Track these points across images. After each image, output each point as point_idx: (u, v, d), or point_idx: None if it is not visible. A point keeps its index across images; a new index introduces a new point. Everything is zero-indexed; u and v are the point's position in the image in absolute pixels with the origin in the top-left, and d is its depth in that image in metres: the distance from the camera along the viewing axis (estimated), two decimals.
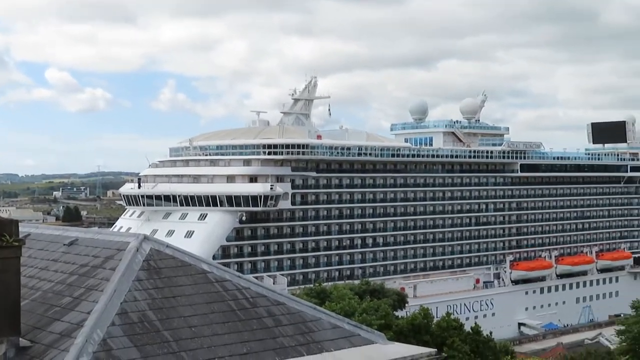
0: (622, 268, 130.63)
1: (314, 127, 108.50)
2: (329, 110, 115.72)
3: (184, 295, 11.47)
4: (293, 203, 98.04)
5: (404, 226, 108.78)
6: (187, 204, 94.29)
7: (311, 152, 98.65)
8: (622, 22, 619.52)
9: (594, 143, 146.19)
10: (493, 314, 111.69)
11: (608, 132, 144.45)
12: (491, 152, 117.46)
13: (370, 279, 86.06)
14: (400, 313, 62.19)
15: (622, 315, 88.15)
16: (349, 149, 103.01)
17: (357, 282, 78.03)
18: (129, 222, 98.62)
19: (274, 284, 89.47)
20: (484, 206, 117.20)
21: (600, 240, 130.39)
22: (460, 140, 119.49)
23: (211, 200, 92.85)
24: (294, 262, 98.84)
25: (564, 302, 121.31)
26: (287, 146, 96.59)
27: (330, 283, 76.13)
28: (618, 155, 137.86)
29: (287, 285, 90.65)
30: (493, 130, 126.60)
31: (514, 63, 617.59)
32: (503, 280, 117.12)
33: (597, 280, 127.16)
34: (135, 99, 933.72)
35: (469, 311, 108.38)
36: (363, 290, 65.49)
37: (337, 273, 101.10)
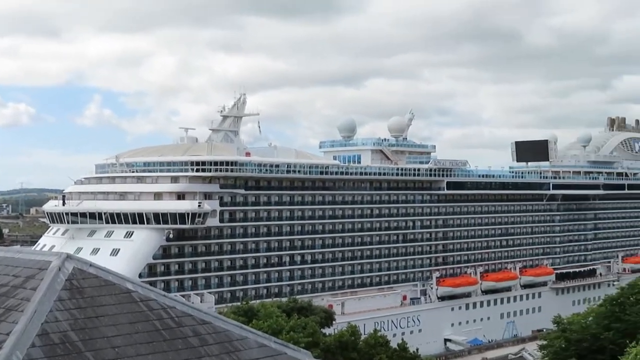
0: (544, 284, 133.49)
1: (243, 144, 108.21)
2: (259, 127, 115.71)
3: (108, 315, 11.27)
4: (221, 220, 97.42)
5: (332, 243, 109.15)
6: (113, 222, 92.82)
7: (240, 169, 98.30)
8: (545, 43, 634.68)
9: (517, 161, 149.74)
10: (420, 330, 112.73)
11: (531, 150, 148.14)
12: (418, 169, 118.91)
13: (298, 296, 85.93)
14: (328, 330, 62.23)
15: (544, 330, 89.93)
16: (277, 166, 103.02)
17: (284, 299, 77.84)
18: (53, 240, 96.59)
19: (201, 302, 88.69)
20: (411, 223, 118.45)
21: (524, 257, 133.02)
22: (388, 158, 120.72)
23: (138, 218, 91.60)
24: (221, 280, 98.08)
25: (488, 318, 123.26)
26: (216, 163, 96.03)
27: (258, 301, 75.79)
28: (541, 173, 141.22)
29: (215, 304, 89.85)
30: (420, 148, 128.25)
31: (440, 82, 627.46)
32: (429, 296, 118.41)
33: (521, 296, 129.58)
34: (60, 114, 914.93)
35: (396, 327, 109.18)
36: (291, 308, 65.38)
37: (265, 291, 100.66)
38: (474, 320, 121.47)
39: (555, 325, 52.25)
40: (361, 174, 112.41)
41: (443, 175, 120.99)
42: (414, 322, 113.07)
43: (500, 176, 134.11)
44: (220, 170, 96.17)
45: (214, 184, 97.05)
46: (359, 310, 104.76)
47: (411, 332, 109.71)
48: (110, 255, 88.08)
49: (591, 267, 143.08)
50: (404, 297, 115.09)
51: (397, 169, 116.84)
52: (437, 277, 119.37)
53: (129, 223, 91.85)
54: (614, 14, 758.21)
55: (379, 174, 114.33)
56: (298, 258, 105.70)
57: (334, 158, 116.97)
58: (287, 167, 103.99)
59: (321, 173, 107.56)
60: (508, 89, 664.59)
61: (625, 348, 32.65)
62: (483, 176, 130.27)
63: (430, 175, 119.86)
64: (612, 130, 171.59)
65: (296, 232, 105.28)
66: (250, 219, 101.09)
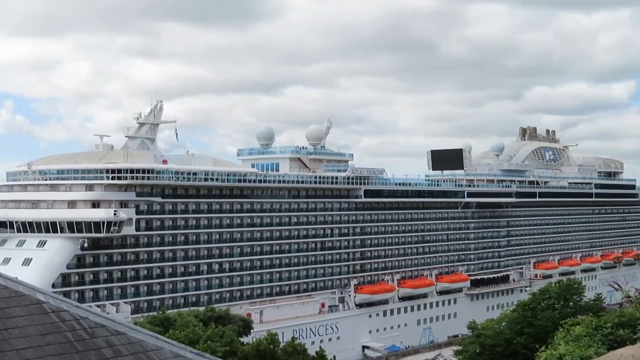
0: (460, 290, 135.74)
1: (160, 152, 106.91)
2: (176, 134, 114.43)
3: (18, 327, 10.95)
4: (137, 229, 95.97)
5: (250, 252, 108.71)
6: (25, 231, 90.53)
7: (156, 177, 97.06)
8: (459, 53, 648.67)
9: (433, 170, 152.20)
10: (338, 338, 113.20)
11: (446, 159, 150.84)
12: (336, 178, 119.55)
13: (216, 305, 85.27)
14: (246, 339, 61.92)
15: (459, 335, 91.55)
16: (195, 174, 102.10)
17: (202, 309, 77.14)
18: None
19: (117, 312, 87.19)
20: (329, 231, 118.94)
21: (440, 264, 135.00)
22: (306, 166, 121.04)
23: (51, 227, 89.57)
24: (138, 290, 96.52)
25: (405, 324, 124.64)
26: (132, 171, 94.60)
27: (175, 310, 74.88)
28: (456, 181, 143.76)
29: (131, 313, 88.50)
30: (338, 157, 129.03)
31: (356, 91, 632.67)
32: (348, 304, 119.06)
33: (437, 302, 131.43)
34: None
35: (315, 335, 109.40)
36: (208, 317, 64.82)
37: (182, 300, 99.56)
38: (392, 327, 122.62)
39: (470, 330, 53.27)
40: (279, 182, 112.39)
41: (360, 184, 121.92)
42: (332, 329, 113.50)
43: (416, 184, 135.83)
44: (137, 178, 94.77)
45: (130, 192, 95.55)
46: (277, 319, 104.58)
47: (329, 340, 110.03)
48: (22, 265, 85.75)
49: (504, 274, 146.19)
50: (323, 305, 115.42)
51: (315, 177, 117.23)
52: (355, 285, 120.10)
53: (42, 232, 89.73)
54: (524, 27, 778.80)
55: (297, 182, 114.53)
56: (216, 267, 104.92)
57: (252, 166, 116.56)
58: (205, 174, 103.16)
59: (239, 181, 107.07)
60: (424, 98, 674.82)
61: (536, 352, 33.43)
62: (400, 184, 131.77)
63: (348, 183, 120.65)
64: (524, 139, 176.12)
65: (214, 241, 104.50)
66: (167, 227, 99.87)
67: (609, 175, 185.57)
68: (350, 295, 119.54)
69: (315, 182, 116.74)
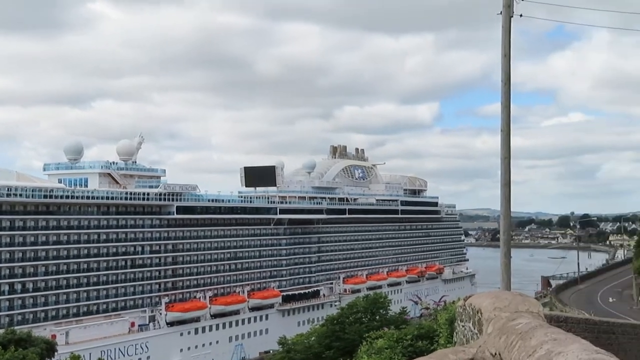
0: (272, 306, 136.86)
1: None
2: None
3: None
4: None
5: (56, 270, 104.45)
6: None
7: None
8: (272, 71, 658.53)
9: (246, 186, 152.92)
10: (148, 357, 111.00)
11: (259, 176, 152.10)
12: (147, 194, 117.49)
13: (17, 327, 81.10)
14: None
15: (271, 351, 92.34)
16: None
17: (1, 331, 73.11)
18: None
19: None
20: (140, 248, 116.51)
21: (252, 280, 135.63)
22: (117, 182, 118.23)
23: None
24: None
25: (217, 342, 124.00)
26: None
27: None
28: (268, 198, 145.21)
29: None
30: (150, 172, 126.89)
31: (169, 106, 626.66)
32: (158, 322, 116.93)
33: (249, 319, 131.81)
34: None
35: (124, 355, 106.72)
36: (8, 340, 61.55)
37: None
38: (203, 345, 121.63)
39: (281, 346, 53.87)
40: (88, 197, 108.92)
41: (173, 200, 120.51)
42: (142, 349, 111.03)
43: (229, 201, 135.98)
44: None
45: None
46: (84, 339, 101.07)
47: None
48: None
49: (315, 289, 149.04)
50: (132, 324, 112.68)
51: (126, 193, 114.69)
52: (166, 303, 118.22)
53: None
54: (336, 47, 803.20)
55: (107, 198, 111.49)
56: (19, 286, 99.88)
57: (60, 181, 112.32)
58: (7, 190, 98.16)
59: (45, 197, 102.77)
60: (238, 115, 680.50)
61: None
62: (213, 201, 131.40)
63: (160, 199, 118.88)
64: (335, 157, 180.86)
65: (17, 259, 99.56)
66: None
67: (414, 192, 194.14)
68: (161, 314, 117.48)
69: (126, 198, 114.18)
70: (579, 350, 5.14)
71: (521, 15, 20.45)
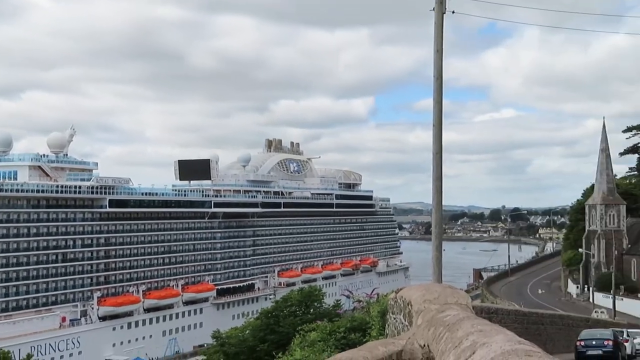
0: (206, 300, 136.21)
1: None
2: None
3: None
4: None
5: None
6: None
7: None
8: (207, 65, 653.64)
9: (180, 180, 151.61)
10: (80, 353, 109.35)
11: (194, 169, 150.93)
12: (79, 187, 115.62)
13: None
14: None
15: (205, 345, 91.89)
16: None
17: None
18: None
19: None
20: (71, 242, 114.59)
21: (187, 274, 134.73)
22: (48, 175, 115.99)
23: None
24: None
25: (151, 336, 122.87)
26: None
27: None
28: (203, 191, 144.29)
29: None
30: (82, 165, 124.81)
31: (102, 98, 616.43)
32: (90, 317, 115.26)
33: (183, 313, 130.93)
34: None
35: (55, 351, 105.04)
36: None
37: None
38: (136, 339, 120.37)
39: (215, 339, 53.63)
40: (17, 191, 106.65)
41: (105, 193, 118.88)
42: (74, 344, 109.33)
43: (163, 194, 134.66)
44: None
45: None
46: (13, 335, 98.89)
47: (70, 355, 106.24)
48: None
49: (250, 282, 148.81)
50: (63, 319, 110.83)
51: (57, 187, 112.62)
52: (98, 297, 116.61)
53: None
54: (271, 41, 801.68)
55: (37, 191, 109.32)
56: None
57: None
58: None
59: None
60: (172, 108, 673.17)
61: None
62: (146, 194, 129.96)
63: (92, 192, 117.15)
64: (270, 151, 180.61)
65: None
66: None
67: (349, 186, 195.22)
68: (93, 308, 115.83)
69: (57, 192, 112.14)
70: (503, 341, 5.28)
71: (453, 12, 20.76)
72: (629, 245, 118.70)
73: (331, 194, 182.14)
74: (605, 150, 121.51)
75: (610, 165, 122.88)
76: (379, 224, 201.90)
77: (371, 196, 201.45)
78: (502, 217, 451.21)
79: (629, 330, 51.80)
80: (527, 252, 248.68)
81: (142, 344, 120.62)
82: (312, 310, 46.41)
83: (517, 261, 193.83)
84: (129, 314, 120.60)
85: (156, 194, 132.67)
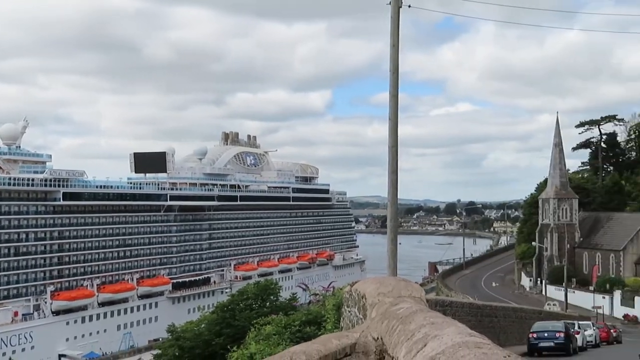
0: (161, 293, 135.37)
1: None
2: None
3: None
4: None
5: None
6: None
7: None
8: (163, 56, 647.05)
9: (136, 172, 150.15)
10: (32, 347, 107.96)
11: (149, 162, 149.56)
12: (32, 179, 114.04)
13: None
14: None
15: (160, 339, 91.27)
16: None
17: None
18: None
19: None
20: (24, 236, 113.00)
21: (142, 267, 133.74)
22: (0, 168, 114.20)
23: None
24: None
25: (105, 330, 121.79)
26: None
27: None
28: (159, 184, 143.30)
29: None
30: (35, 157, 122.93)
31: (56, 89, 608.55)
32: (43, 311, 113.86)
33: (138, 307, 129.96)
34: None
35: (6, 346, 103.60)
36: None
37: None
38: (90, 334, 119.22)
39: (170, 334, 53.34)
40: None
41: (59, 186, 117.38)
42: (26, 339, 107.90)
43: (118, 187, 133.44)
44: None
45: None
46: None
47: (23, 350, 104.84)
48: None
49: (206, 276, 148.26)
50: (15, 314, 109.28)
51: (9, 179, 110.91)
52: (51, 291, 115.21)
53: None
54: (228, 33, 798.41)
55: None
56: None
57: None
58: None
59: None
60: (127, 99, 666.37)
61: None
62: (101, 187, 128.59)
63: (45, 185, 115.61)
64: (227, 144, 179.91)
65: None
66: None
67: (306, 180, 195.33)
68: (46, 303, 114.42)
69: (9, 184, 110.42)
70: (454, 334, 5.32)
71: (409, 7, 20.83)
72: (581, 239, 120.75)
73: (288, 188, 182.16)
74: (558, 145, 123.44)
75: (564, 159, 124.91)
76: (336, 217, 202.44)
77: (328, 190, 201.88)
78: (458, 211, 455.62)
79: (580, 322, 52.76)
80: (481, 246, 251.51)
81: (96, 338, 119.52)
82: (268, 303, 46.40)
83: (471, 254, 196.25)
84: (83, 308, 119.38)
85: (111, 186, 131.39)
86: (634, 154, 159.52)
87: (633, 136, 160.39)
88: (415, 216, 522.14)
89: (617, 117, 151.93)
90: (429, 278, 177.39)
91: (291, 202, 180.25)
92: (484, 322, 36.25)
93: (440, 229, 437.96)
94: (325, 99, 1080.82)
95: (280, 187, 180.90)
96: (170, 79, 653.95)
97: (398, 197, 21.94)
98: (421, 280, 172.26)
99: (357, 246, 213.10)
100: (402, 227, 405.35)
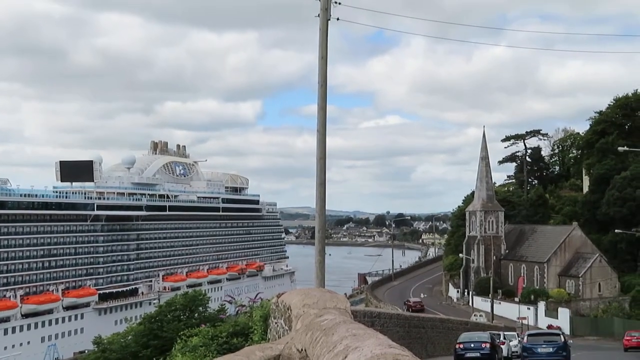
0: (87, 305, 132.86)
1: None
2: None
3: None
4: None
5: None
6: None
7: None
8: (90, 63, 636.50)
9: (62, 181, 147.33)
10: None
11: (76, 170, 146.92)
12: None
13: None
14: None
15: (86, 351, 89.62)
16: None
17: None
18: None
19: None
20: None
21: (67, 278, 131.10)
22: None
23: None
24: None
25: (28, 342, 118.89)
26: None
27: None
28: (85, 193, 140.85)
29: None
30: None
31: None
32: None
33: (63, 318, 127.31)
34: None
35: None
36: None
37: None
38: (13, 346, 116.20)
39: (96, 345, 52.49)
40: None
41: None
42: None
43: (43, 196, 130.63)
44: None
45: None
46: None
47: None
48: None
49: (134, 287, 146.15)
50: None
51: None
52: None
53: None
54: (157, 41, 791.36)
55: None
56: None
57: None
58: None
59: None
60: (53, 107, 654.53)
61: None
62: (25, 195, 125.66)
63: None
64: (156, 153, 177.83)
65: None
66: None
67: (235, 190, 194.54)
68: None
69: None
70: (374, 345, 5.39)
71: (338, 19, 21.00)
72: (507, 251, 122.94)
73: (217, 198, 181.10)
74: (485, 159, 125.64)
75: (490, 173, 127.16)
76: (266, 228, 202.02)
77: (258, 200, 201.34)
78: (387, 223, 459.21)
79: (505, 333, 53.73)
80: (410, 257, 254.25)
81: (19, 350, 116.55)
82: (196, 314, 46.05)
83: (400, 266, 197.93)
84: (5, 319, 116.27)
85: (36, 195, 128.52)
86: (557, 168, 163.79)
87: (557, 151, 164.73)
88: (345, 227, 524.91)
89: (541, 131, 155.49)
90: (359, 289, 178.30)
91: (221, 213, 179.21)
92: (412, 333, 36.64)
93: (370, 240, 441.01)
94: (255, 109, 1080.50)
95: (210, 198, 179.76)
96: (97, 87, 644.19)
97: (327, 208, 22.07)
98: (350, 291, 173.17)
99: (287, 257, 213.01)
100: (332, 238, 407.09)
